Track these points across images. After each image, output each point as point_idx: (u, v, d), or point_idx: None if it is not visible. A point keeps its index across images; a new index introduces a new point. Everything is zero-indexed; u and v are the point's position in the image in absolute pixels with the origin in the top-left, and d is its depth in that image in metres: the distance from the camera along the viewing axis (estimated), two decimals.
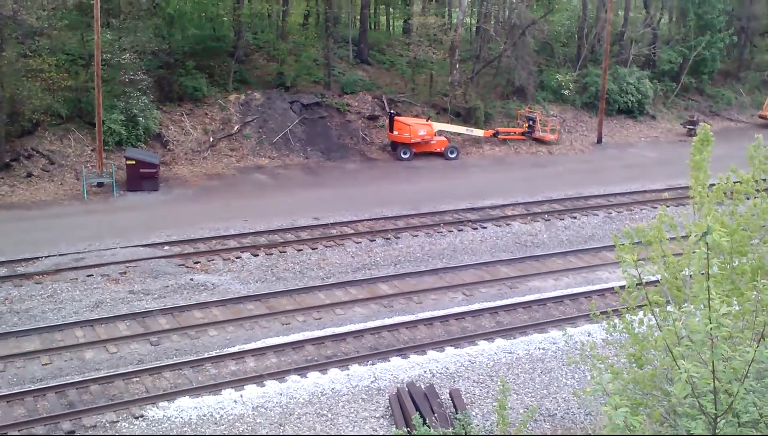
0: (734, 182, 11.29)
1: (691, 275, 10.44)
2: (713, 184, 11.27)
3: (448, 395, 20.32)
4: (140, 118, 39.08)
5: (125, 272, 26.79)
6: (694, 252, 7.67)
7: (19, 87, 36.17)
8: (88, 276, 26.35)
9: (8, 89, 35.67)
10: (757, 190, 11.21)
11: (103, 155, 36.43)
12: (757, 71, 61.66)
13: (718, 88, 59.66)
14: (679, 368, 7.19)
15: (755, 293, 7.81)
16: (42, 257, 27.43)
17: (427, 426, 17.87)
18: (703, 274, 7.49)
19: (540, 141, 47.71)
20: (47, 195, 34.85)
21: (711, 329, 7.13)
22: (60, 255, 27.68)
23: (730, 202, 11.42)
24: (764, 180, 11.35)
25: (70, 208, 33.62)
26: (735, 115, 58.05)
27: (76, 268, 26.82)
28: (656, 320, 9.29)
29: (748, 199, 11.32)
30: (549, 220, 33.86)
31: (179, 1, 40.30)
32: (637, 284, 8.60)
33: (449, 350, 22.57)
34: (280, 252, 29.16)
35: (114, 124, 38.00)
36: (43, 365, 21.16)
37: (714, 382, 7.30)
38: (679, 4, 58.75)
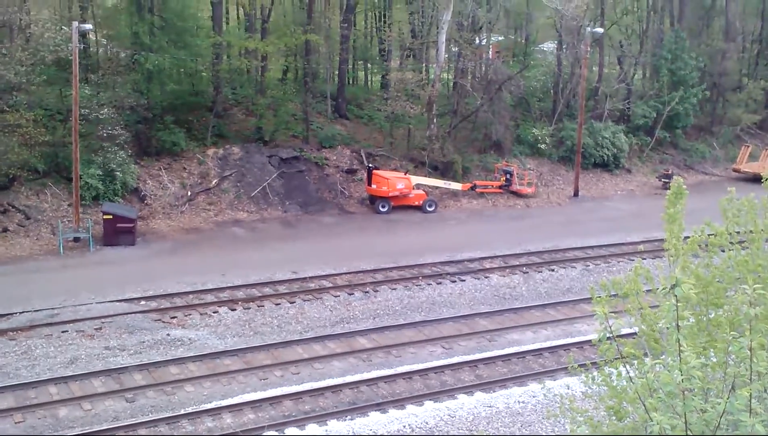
0: (708, 235, 11.39)
1: (667, 327, 10.47)
2: (688, 237, 11.36)
3: None
4: (118, 173, 39.04)
5: (101, 328, 26.52)
6: (665, 305, 7.70)
7: None
8: (62, 332, 26.06)
9: None
10: (731, 243, 11.30)
11: (80, 210, 36.32)
12: (730, 126, 62.58)
13: (692, 142, 60.48)
14: (652, 420, 7.18)
15: (727, 344, 7.85)
16: (16, 314, 27.12)
17: None
18: (674, 326, 7.53)
19: (517, 194, 48.04)
20: (23, 250, 34.58)
21: (682, 381, 7.15)
22: (34, 311, 27.39)
23: (705, 255, 11.51)
24: (737, 233, 11.45)
25: (46, 263, 33.35)
26: (709, 169, 58.77)
27: (50, 324, 26.53)
28: (628, 373, 9.29)
29: (722, 251, 11.41)
30: (527, 272, 33.95)
31: (158, 57, 40.55)
32: (608, 337, 8.62)
33: (429, 404, 22.42)
34: (258, 306, 29.00)
35: (91, 179, 37.94)
36: (16, 423, 20.81)
37: (687, 433, 7.30)
38: (653, 61, 59.79)
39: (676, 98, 55.96)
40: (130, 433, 20.35)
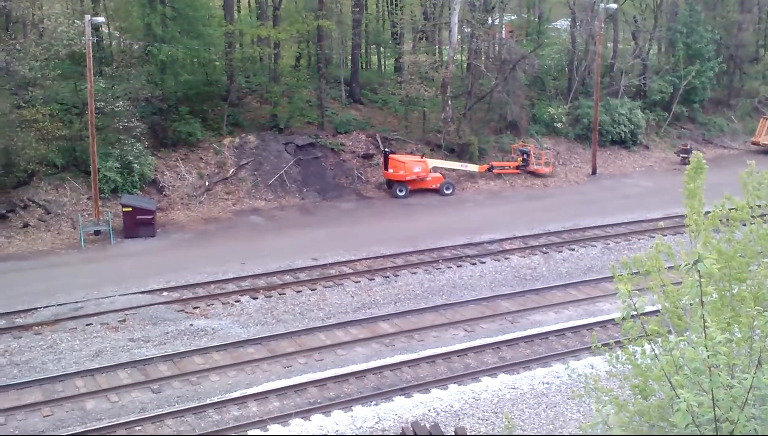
0: (729, 209, 11.29)
1: (690, 304, 10.42)
2: (708, 212, 11.27)
3: (453, 433, 20.16)
4: (135, 165, 39.22)
5: (124, 320, 26.71)
6: (688, 281, 7.65)
7: (14, 138, 36.31)
8: (87, 325, 26.26)
9: (2, 140, 35.80)
10: (753, 217, 11.21)
11: (99, 203, 36.51)
12: (748, 98, 62.03)
13: (709, 116, 59.98)
14: (679, 398, 7.15)
15: (752, 319, 7.79)
16: (40, 308, 27.35)
17: None
18: (698, 302, 7.49)
19: (535, 174, 47.86)
20: (44, 245, 34.84)
21: (708, 356, 7.11)
22: (58, 305, 27.61)
23: (726, 230, 11.42)
24: (759, 206, 11.35)
25: (68, 257, 33.58)
26: (727, 143, 58.31)
27: (75, 317, 26.74)
28: (655, 351, 9.25)
29: (743, 225, 11.32)
30: (547, 253, 33.86)
31: (171, 48, 40.58)
32: (632, 315, 8.59)
33: (453, 387, 22.44)
34: (279, 294, 29.10)
35: (109, 172, 38.13)
36: (44, 416, 21.00)
37: (714, 410, 7.27)
38: (668, 35, 59.30)
39: (692, 72, 55.48)
40: (118, 433, 20.42)
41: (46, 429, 20.36)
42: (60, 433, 20.05)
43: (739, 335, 8.90)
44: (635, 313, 8.58)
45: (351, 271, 31.35)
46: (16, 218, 36.20)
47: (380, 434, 19.78)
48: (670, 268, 11.15)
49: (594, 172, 49.44)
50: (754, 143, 56.51)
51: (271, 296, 28.92)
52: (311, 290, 29.47)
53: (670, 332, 10.32)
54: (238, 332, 26.39)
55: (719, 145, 57.82)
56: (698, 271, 7.21)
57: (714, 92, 60.11)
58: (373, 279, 30.62)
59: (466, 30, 52.98)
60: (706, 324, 7.28)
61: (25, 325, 26.11)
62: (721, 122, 59.75)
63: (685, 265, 7.49)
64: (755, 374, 7.13)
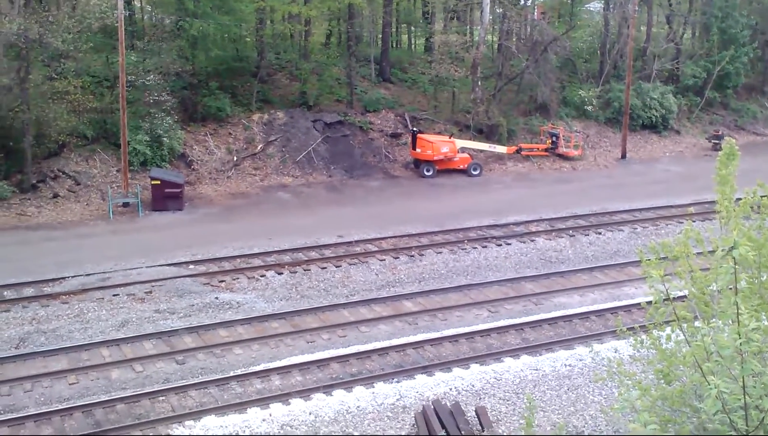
0: (761, 196, 11.18)
1: (719, 291, 10.34)
2: (740, 199, 11.16)
3: (474, 413, 20.21)
4: (165, 139, 39.43)
5: (151, 292, 26.93)
6: (721, 267, 7.58)
7: (45, 109, 36.65)
8: (114, 296, 26.51)
9: (34, 111, 36.10)
10: None
11: (129, 176, 36.76)
12: None
13: (742, 103, 59.27)
14: (709, 384, 7.10)
15: None
16: (68, 277, 27.64)
17: None
18: (730, 289, 7.43)
19: (563, 157, 47.58)
20: (73, 215, 35.17)
21: (740, 344, 7.05)
22: (86, 275, 27.87)
23: (757, 217, 11.30)
24: None
25: (96, 228, 33.89)
26: (760, 129, 57.65)
27: (102, 287, 27.00)
28: (684, 336, 9.20)
29: None
30: (574, 236, 33.71)
31: (202, 23, 40.65)
32: (664, 300, 8.53)
33: (475, 367, 22.43)
34: (305, 270, 29.21)
35: (139, 145, 38.37)
36: (70, 384, 21.27)
37: (745, 398, 7.22)
38: (702, 19, 58.56)
39: (726, 57, 54.80)
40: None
41: (71, 396, 20.61)
42: (84, 402, 20.31)
43: (766, 323, 8.83)
44: (667, 297, 8.52)
45: (376, 249, 31.38)
46: (46, 188, 36.57)
47: (393, 434, 19.79)
48: (698, 254, 11.07)
49: (624, 156, 49.07)
50: None
51: (296, 272, 29.02)
52: (336, 267, 29.55)
53: (696, 318, 10.26)
54: (263, 307, 26.54)
55: (752, 131, 57.17)
56: (733, 257, 7.14)
57: (748, 78, 59.35)
58: (398, 258, 30.64)
59: (497, 10, 52.72)
60: (739, 311, 7.22)
61: (53, 294, 26.40)
62: (754, 109, 59.04)
63: (720, 251, 7.42)
64: None
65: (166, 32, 43.91)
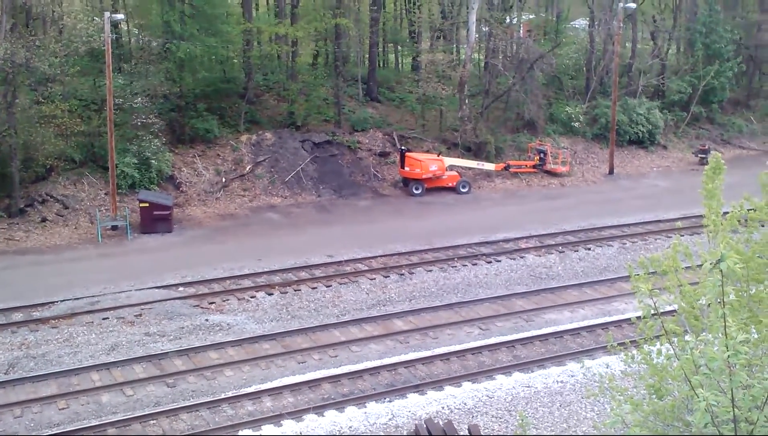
0: (748, 210, 11.25)
1: (708, 304, 10.38)
2: (727, 213, 11.23)
3: (467, 431, 20.14)
4: (153, 161, 39.40)
5: (140, 315, 26.84)
6: (708, 280, 7.61)
7: (33, 133, 36.62)
8: (103, 319, 26.41)
9: (22, 136, 36.07)
10: None
11: (117, 198, 36.69)
12: (767, 99, 61.63)
13: (728, 117, 59.64)
14: (698, 397, 7.13)
15: None
16: (57, 302, 27.52)
17: None
18: (719, 302, 7.46)
19: (551, 173, 47.73)
20: (62, 239, 35.05)
21: (729, 356, 7.08)
22: (75, 299, 27.79)
23: (745, 230, 11.38)
24: None
25: (85, 251, 33.77)
26: (746, 143, 57.96)
27: (91, 311, 26.90)
28: (674, 350, 9.22)
29: (762, 226, 11.28)
30: (563, 252, 33.77)
31: (189, 45, 40.72)
32: (653, 314, 8.57)
33: (467, 385, 22.42)
34: (295, 290, 29.16)
35: (127, 168, 38.32)
36: (60, 409, 21.13)
37: (734, 410, 7.24)
38: (687, 35, 59.02)
39: (711, 72, 55.17)
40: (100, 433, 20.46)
41: (61, 422, 20.48)
42: (74, 427, 20.18)
43: (756, 336, 8.86)
44: (656, 312, 8.56)
45: (366, 268, 31.37)
46: (34, 212, 36.46)
47: (394, 434, 19.79)
48: (687, 268, 11.12)
49: (611, 171, 49.26)
50: None
51: (287, 292, 28.98)
52: (326, 287, 29.52)
53: (686, 332, 10.29)
54: (253, 328, 26.47)
55: (738, 145, 57.47)
56: (721, 270, 7.18)
57: (733, 93, 59.79)
58: (388, 276, 30.64)
59: (483, 29, 52.97)
60: (726, 324, 7.25)
61: (42, 318, 26.29)
62: (739, 123, 59.40)
63: (708, 264, 7.46)
64: None
65: (153, 55, 43.96)
